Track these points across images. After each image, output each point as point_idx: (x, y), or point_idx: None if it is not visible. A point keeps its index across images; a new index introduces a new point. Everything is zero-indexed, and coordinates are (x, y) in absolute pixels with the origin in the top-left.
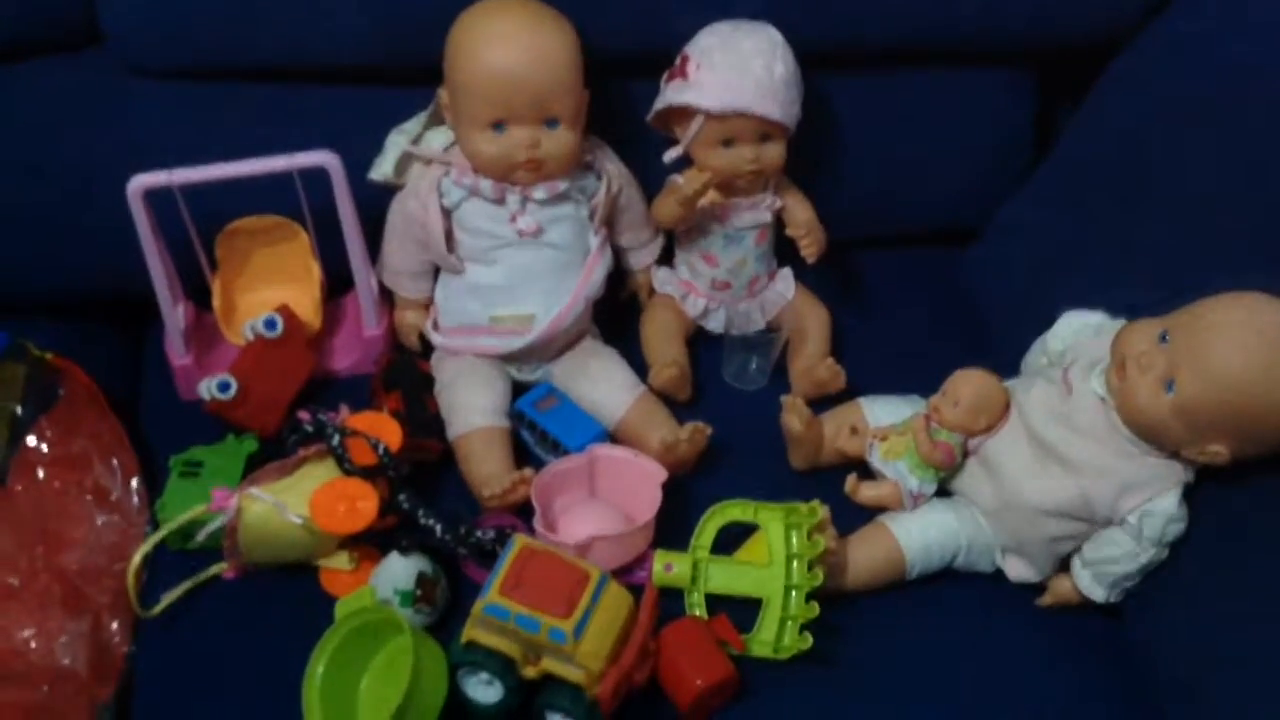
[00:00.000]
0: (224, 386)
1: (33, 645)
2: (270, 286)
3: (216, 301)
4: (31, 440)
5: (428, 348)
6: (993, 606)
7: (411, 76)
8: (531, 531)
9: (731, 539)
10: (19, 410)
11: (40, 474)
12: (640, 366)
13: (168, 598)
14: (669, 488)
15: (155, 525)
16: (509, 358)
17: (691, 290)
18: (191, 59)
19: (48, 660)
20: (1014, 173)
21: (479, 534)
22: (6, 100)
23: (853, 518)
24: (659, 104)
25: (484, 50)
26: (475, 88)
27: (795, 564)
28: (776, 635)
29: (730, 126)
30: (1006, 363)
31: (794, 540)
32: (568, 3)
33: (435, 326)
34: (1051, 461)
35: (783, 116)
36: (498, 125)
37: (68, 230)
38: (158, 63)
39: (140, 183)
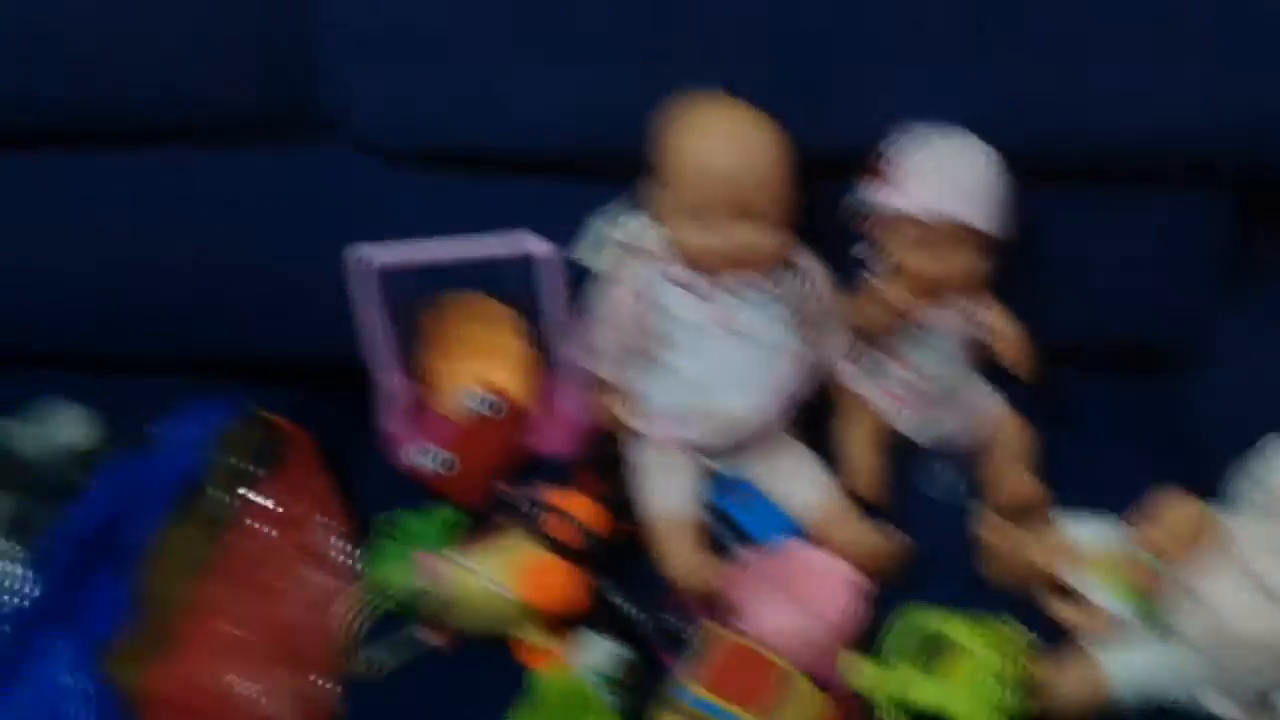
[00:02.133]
0: (433, 457)
1: (246, 695)
2: (479, 364)
3: (428, 375)
4: (257, 498)
5: (627, 433)
6: None
7: (621, 168)
8: (721, 621)
9: (923, 649)
10: (249, 467)
11: (261, 530)
12: (835, 467)
13: (374, 656)
14: (860, 592)
15: (364, 586)
16: (704, 448)
17: (888, 394)
18: (416, 142)
19: (258, 711)
20: (1224, 294)
21: (670, 620)
22: (245, 174)
23: (1050, 637)
24: (862, 206)
25: (694, 145)
26: (685, 180)
27: (996, 685)
28: None
29: (933, 232)
30: (1218, 491)
31: (995, 661)
32: (777, 101)
33: (634, 412)
34: (1263, 595)
35: (986, 225)
36: (703, 217)
37: (295, 302)
38: (385, 144)
39: (362, 256)
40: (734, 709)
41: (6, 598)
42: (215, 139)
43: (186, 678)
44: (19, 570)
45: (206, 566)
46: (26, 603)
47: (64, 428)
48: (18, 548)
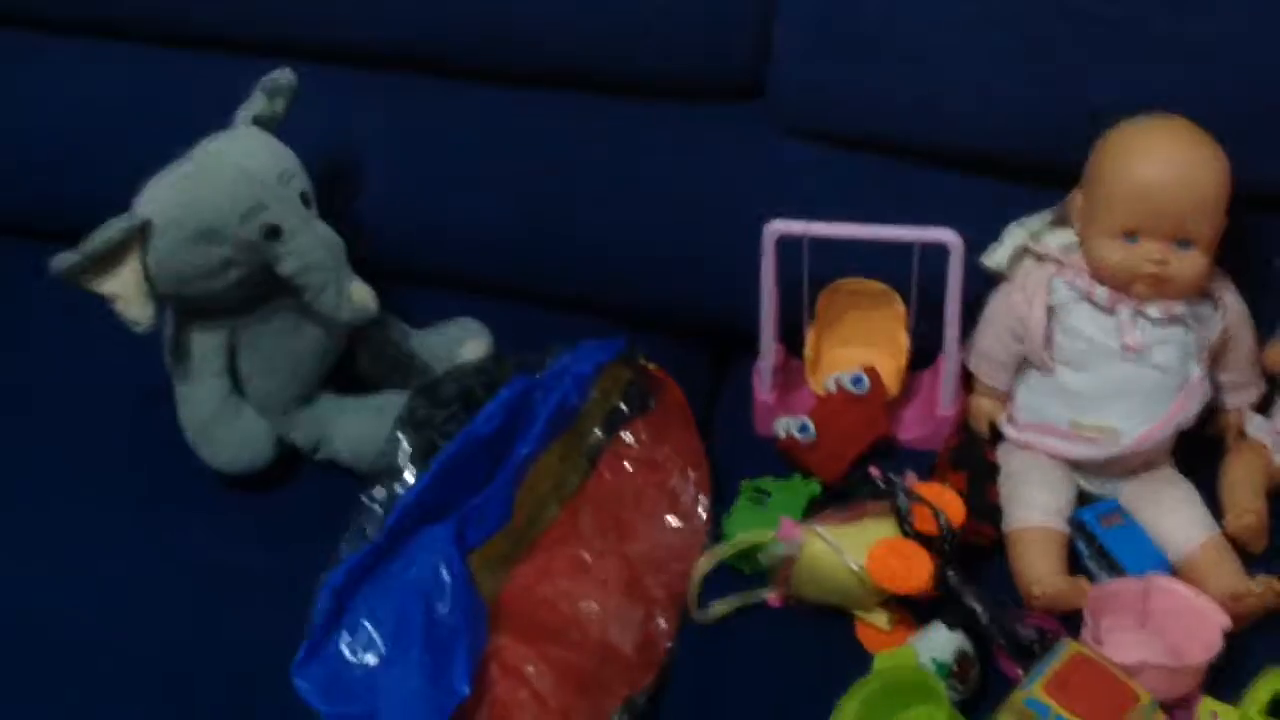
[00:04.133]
0: (803, 428)
1: (592, 618)
2: (858, 347)
3: (808, 351)
4: (626, 437)
5: (996, 437)
6: None
7: (1045, 176)
8: (1074, 639)
9: None
10: (621, 406)
11: (626, 467)
12: (1213, 508)
13: (716, 607)
14: (1225, 637)
15: (716, 539)
16: (1080, 466)
17: None
18: (840, 128)
19: (602, 635)
20: None
21: (1020, 629)
22: (672, 132)
23: None
24: None
25: (1135, 162)
26: (1117, 196)
27: None
28: None
29: None
30: None
31: None
32: (1227, 125)
33: (1009, 419)
34: None
35: None
36: (1129, 235)
37: (694, 260)
38: (808, 126)
39: (776, 229)
40: (1074, 718)
41: (385, 489)
42: (653, 95)
43: (538, 591)
44: (402, 463)
45: (572, 494)
46: (410, 493)
47: (465, 343)
48: (403, 441)
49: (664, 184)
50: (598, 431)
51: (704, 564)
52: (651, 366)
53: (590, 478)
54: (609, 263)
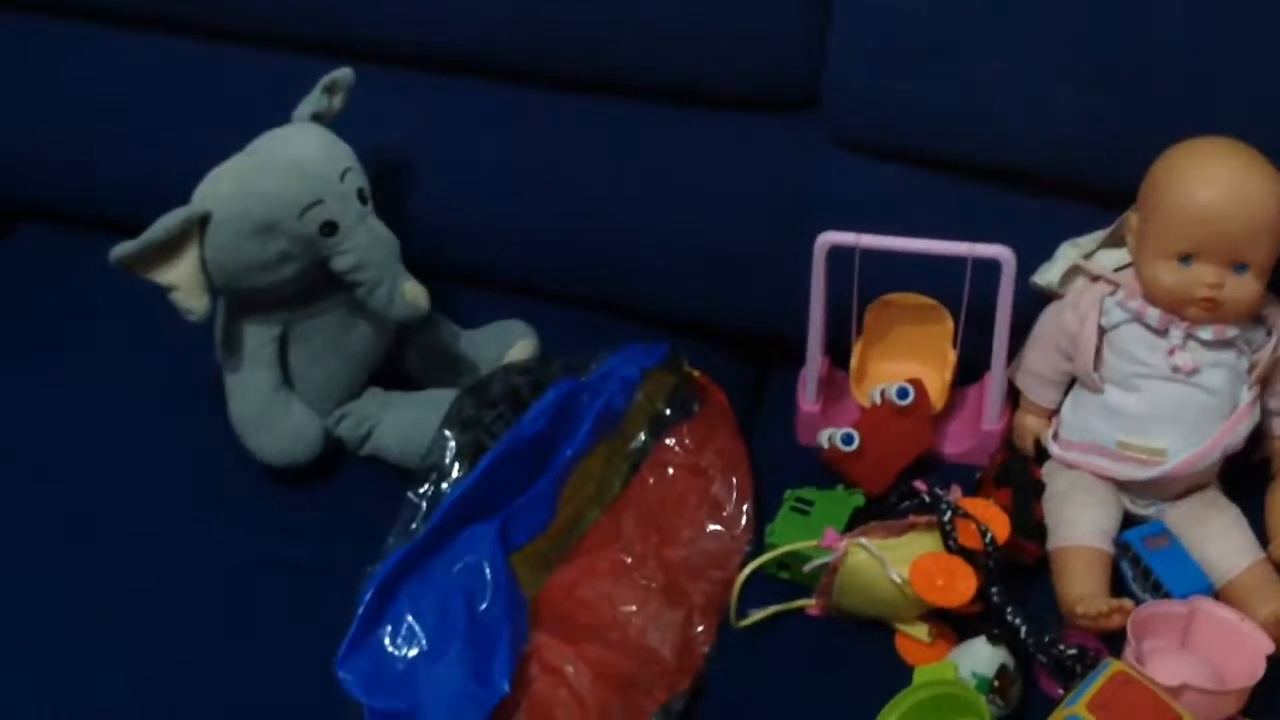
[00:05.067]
0: (847, 439)
1: (632, 621)
2: (904, 361)
3: (854, 363)
4: (669, 441)
5: (1041, 455)
6: None
7: (1101, 197)
8: (1116, 658)
9: None
10: (665, 411)
11: (669, 472)
12: (1259, 533)
13: (755, 615)
14: (1270, 661)
15: (757, 547)
16: (1126, 486)
17: None
18: (893, 141)
19: (641, 638)
20: None
21: (1062, 647)
22: (721, 140)
23: None
24: None
25: (1192, 185)
26: (1173, 219)
27: None
28: None
29: None
30: None
31: None
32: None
33: (1055, 437)
34: None
35: None
36: (1184, 258)
37: (739, 269)
38: (862, 138)
39: (828, 240)
40: None
41: (432, 486)
42: (703, 103)
43: (578, 591)
44: (448, 461)
45: (615, 497)
46: (455, 491)
47: (512, 345)
48: (450, 440)
49: (711, 192)
50: (642, 435)
51: (746, 570)
52: (695, 372)
53: (633, 481)
54: (654, 269)
